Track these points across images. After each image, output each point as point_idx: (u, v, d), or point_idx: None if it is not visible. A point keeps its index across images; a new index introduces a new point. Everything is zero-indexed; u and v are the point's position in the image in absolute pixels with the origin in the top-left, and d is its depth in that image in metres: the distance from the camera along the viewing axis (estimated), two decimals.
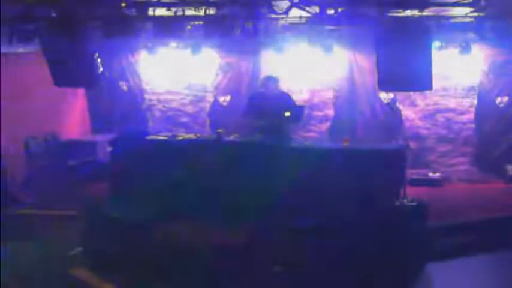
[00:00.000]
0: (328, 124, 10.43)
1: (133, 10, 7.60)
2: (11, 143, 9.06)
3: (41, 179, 9.25)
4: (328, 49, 9.41)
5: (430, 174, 9.72)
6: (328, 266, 6.23)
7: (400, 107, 10.08)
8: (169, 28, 7.81)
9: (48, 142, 9.79)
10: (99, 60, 8.19)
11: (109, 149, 9.07)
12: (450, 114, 10.04)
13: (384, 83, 7.38)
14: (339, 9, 7.31)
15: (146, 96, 11.02)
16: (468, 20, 7.85)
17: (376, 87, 8.00)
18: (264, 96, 8.60)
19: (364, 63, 10.02)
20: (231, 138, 8.09)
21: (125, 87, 11.02)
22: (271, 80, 8.73)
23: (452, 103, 9.99)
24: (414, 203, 6.73)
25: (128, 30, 7.65)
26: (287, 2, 7.20)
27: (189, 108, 10.89)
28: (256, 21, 7.55)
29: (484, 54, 9.50)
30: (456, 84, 9.92)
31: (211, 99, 10.75)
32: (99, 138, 10.28)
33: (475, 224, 7.21)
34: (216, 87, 10.72)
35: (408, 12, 7.32)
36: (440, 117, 10.07)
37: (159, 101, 10.99)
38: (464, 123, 10.01)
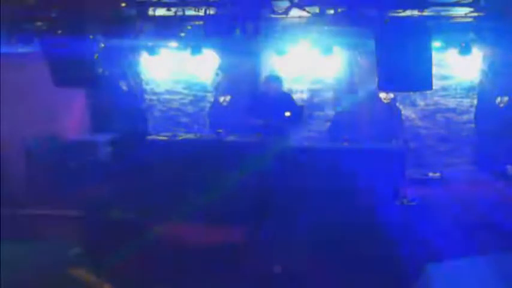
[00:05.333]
0: (328, 124, 10.44)
1: (133, 10, 7.60)
2: (11, 143, 9.06)
3: (41, 179, 9.24)
4: (328, 49, 9.41)
5: (430, 174, 9.70)
6: (327, 266, 6.23)
7: (400, 107, 10.08)
8: (169, 28, 7.81)
9: (48, 142, 9.78)
10: (99, 60, 8.19)
11: (109, 149, 9.08)
12: (450, 114, 10.04)
13: (384, 83, 7.38)
14: (339, 9, 7.31)
15: (146, 96, 11.02)
16: (468, 20, 7.85)
17: (376, 87, 8.00)
18: (266, 96, 8.61)
19: (364, 63, 10.02)
20: (231, 138, 8.10)
21: (125, 87, 11.01)
22: (274, 79, 8.74)
23: (452, 103, 9.99)
24: (414, 203, 6.74)
25: (128, 30, 7.65)
26: (287, 2, 7.21)
27: (189, 108, 10.89)
28: (256, 21, 7.55)
29: (484, 54, 9.50)
30: (456, 84, 9.92)
31: (211, 99, 10.75)
32: (99, 138, 10.26)
33: (474, 224, 7.21)
34: (216, 87, 10.72)
35: (408, 12, 7.33)
36: (440, 117, 10.07)
37: (159, 101, 10.99)
38: (464, 123, 10.01)
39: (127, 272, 6.32)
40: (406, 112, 10.12)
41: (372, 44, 7.36)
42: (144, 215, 6.95)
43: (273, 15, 7.74)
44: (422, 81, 6.90)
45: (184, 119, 10.91)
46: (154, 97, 11.01)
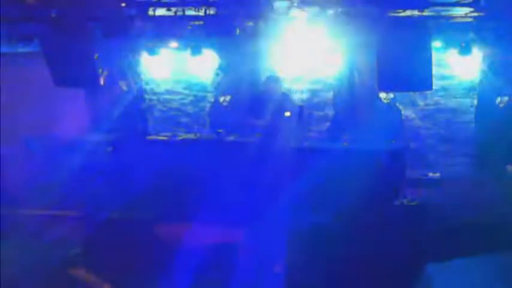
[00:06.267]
0: (328, 124, 10.43)
1: (133, 10, 7.60)
2: (11, 143, 9.05)
3: (41, 179, 9.24)
4: (328, 49, 9.41)
5: (430, 174, 9.70)
6: (328, 266, 6.23)
7: (400, 107, 10.08)
8: (169, 28, 7.81)
9: (48, 142, 9.78)
10: (99, 60, 8.20)
11: (109, 149, 9.07)
12: (450, 114, 10.04)
13: (384, 83, 7.40)
14: (339, 9, 7.32)
15: (146, 96, 11.02)
16: (468, 20, 7.85)
17: (376, 87, 8.01)
18: (266, 96, 8.61)
19: (364, 63, 10.01)
20: (231, 138, 8.11)
21: (124, 87, 11.01)
22: (274, 80, 8.74)
23: (452, 103, 9.99)
24: (414, 203, 6.74)
25: (128, 30, 7.65)
26: (287, 2, 7.21)
27: (189, 108, 10.88)
28: (256, 21, 7.56)
29: (484, 54, 9.49)
30: (456, 84, 9.91)
31: (211, 99, 10.75)
32: (99, 138, 10.26)
33: (474, 224, 7.21)
34: (216, 87, 10.71)
35: (408, 12, 7.33)
36: (440, 117, 10.07)
37: (159, 101, 10.99)
38: (464, 123, 10.01)
39: (127, 272, 6.32)
40: (406, 112, 10.11)
41: (372, 44, 7.37)
42: (144, 215, 6.95)
43: (273, 15, 7.75)
44: (422, 81, 6.92)
45: (184, 119, 10.90)
46: (154, 97, 11.01)
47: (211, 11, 7.52)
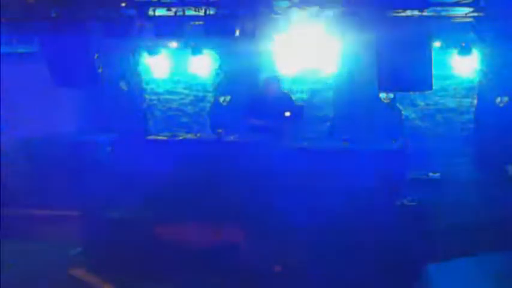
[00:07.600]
0: (328, 124, 10.44)
1: (133, 10, 7.61)
2: (11, 143, 9.06)
3: (41, 179, 9.25)
4: (327, 49, 9.40)
5: (430, 174, 9.70)
6: (328, 266, 6.23)
7: (400, 107, 10.08)
8: (169, 28, 7.81)
9: (48, 142, 9.78)
10: (99, 60, 8.20)
11: (109, 149, 9.09)
12: (450, 114, 10.05)
13: (384, 83, 7.39)
14: (339, 9, 7.32)
15: (146, 96, 11.03)
16: (468, 20, 7.86)
17: (376, 87, 8.01)
18: (265, 96, 8.62)
19: (364, 63, 10.01)
20: (231, 138, 8.11)
21: (124, 87, 11.02)
22: (273, 80, 8.74)
23: (452, 103, 10.00)
24: (414, 203, 6.74)
25: (128, 30, 7.65)
26: (287, 2, 7.22)
27: (189, 108, 10.90)
28: (256, 21, 7.56)
29: (483, 54, 9.51)
30: (456, 84, 9.92)
31: (211, 99, 10.76)
32: (99, 138, 10.27)
33: (475, 224, 7.21)
34: (216, 87, 10.73)
35: (408, 12, 7.33)
36: (440, 117, 10.08)
37: (159, 101, 11.00)
38: (464, 123, 10.02)
39: (127, 272, 6.32)
40: (406, 112, 10.13)
41: (371, 44, 7.37)
42: (144, 215, 6.95)
43: (273, 15, 7.75)
44: (422, 81, 6.91)
45: (184, 119, 10.92)
46: (154, 97, 11.02)
47: (211, 11, 7.52)
